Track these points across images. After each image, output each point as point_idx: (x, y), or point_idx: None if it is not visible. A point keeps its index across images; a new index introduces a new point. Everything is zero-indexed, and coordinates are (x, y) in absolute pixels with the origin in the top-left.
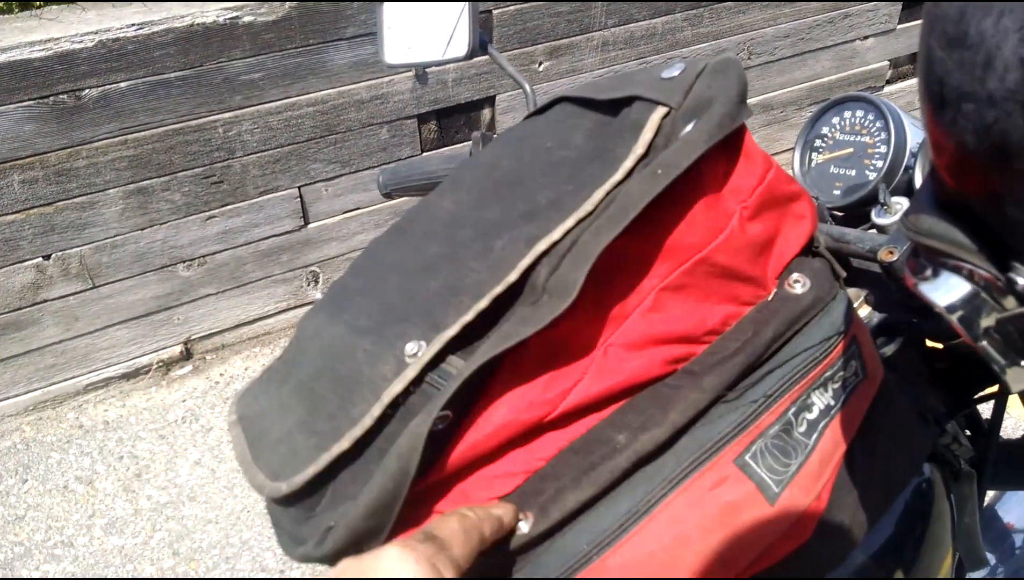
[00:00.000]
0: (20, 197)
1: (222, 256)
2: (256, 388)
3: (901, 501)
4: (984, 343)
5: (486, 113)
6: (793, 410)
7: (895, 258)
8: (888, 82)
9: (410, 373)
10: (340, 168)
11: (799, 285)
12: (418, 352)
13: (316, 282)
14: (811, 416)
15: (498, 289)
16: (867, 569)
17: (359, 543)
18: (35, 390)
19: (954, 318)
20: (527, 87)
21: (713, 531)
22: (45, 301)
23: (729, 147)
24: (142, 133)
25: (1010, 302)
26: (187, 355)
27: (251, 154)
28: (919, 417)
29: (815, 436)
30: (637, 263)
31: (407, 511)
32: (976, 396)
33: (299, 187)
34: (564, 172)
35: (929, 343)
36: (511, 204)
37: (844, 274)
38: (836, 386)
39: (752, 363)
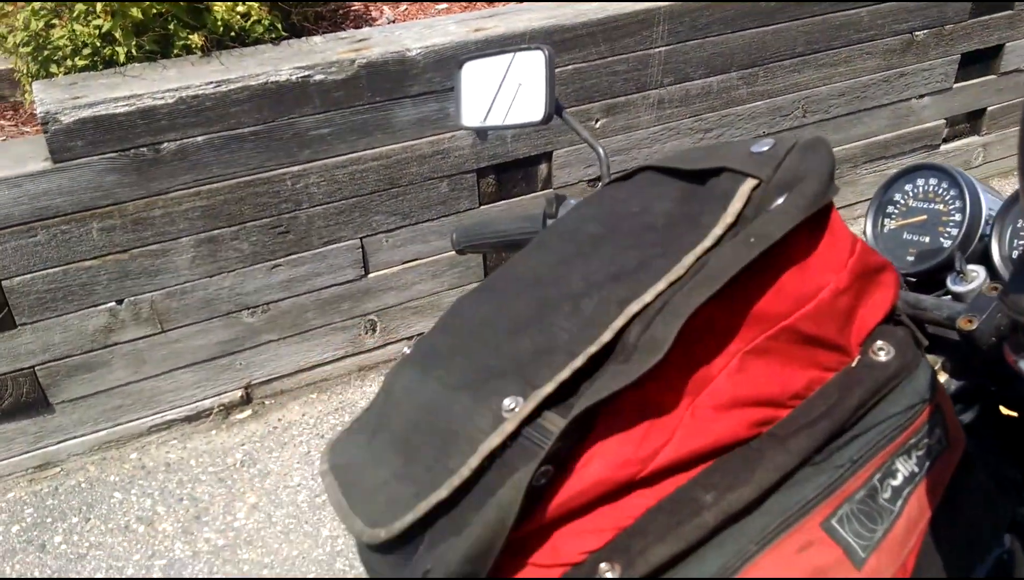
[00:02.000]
0: (98, 244)
1: (285, 304)
2: (346, 439)
3: (982, 571)
4: None
5: (543, 168)
6: (878, 476)
7: (974, 327)
8: (944, 141)
9: (508, 427)
10: (401, 220)
11: (883, 353)
12: (515, 407)
13: (374, 330)
14: (895, 483)
15: (592, 349)
16: None
17: None
18: (101, 430)
19: None
20: (601, 151)
21: None
22: (116, 344)
23: (818, 221)
24: (215, 185)
25: None
26: (247, 399)
27: (317, 206)
28: (999, 486)
29: (900, 503)
30: (725, 327)
31: (501, 559)
32: None
33: (361, 238)
34: (651, 237)
35: (1004, 411)
36: (599, 266)
37: (926, 343)
38: (920, 453)
39: (838, 428)
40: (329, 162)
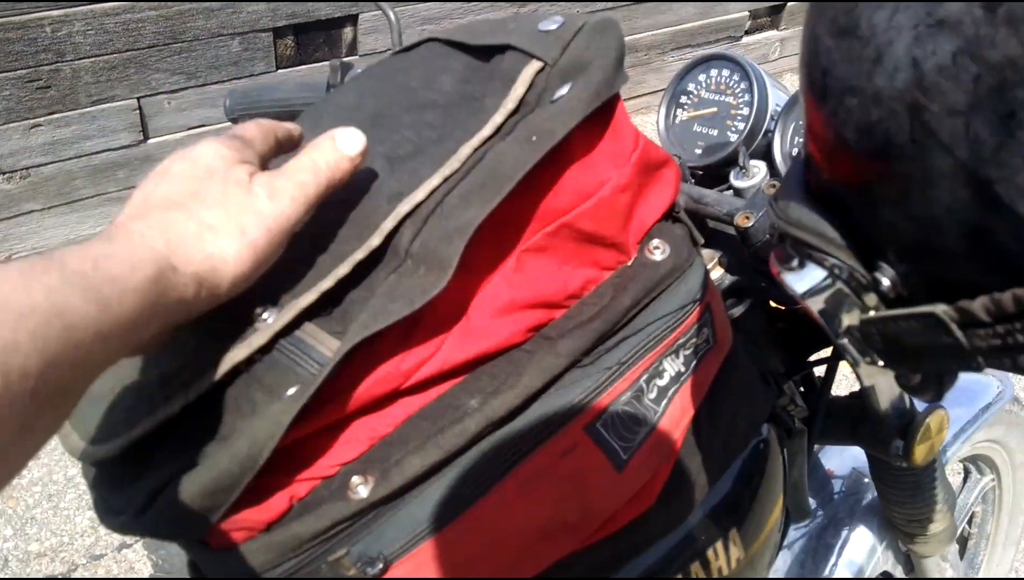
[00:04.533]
0: None
1: (48, 169)
2: None
3: (744, 471)
4: (845, 341)
5: (348, 32)
6: (645, 377)
7: (751, 224)
8: (746, 32)
9: (258, 340)
10: (185, 80)
11: (659, 252)
12: (269, 318)
13: None
14: (661, 383)
15: (360, 254)
16: (701, 526)
17: (188, 523)
18: None
19: (815, 311)
20: (392, 16)
21: (561, 499)
22: None
23: (602, 112)
24: None
25: (872, 299)
26: None
27: (84, 59)
28: (762, 379)
29: (664, 403)
30: (502, 226)
31: None
32: (811, 359)
33: (138, 98)
34: (429, 116)
35: (772, 304)
36: (371, 147)
37: (702, 241)
38: (687, 353)
39: (608, 330)
40: (97, 8)
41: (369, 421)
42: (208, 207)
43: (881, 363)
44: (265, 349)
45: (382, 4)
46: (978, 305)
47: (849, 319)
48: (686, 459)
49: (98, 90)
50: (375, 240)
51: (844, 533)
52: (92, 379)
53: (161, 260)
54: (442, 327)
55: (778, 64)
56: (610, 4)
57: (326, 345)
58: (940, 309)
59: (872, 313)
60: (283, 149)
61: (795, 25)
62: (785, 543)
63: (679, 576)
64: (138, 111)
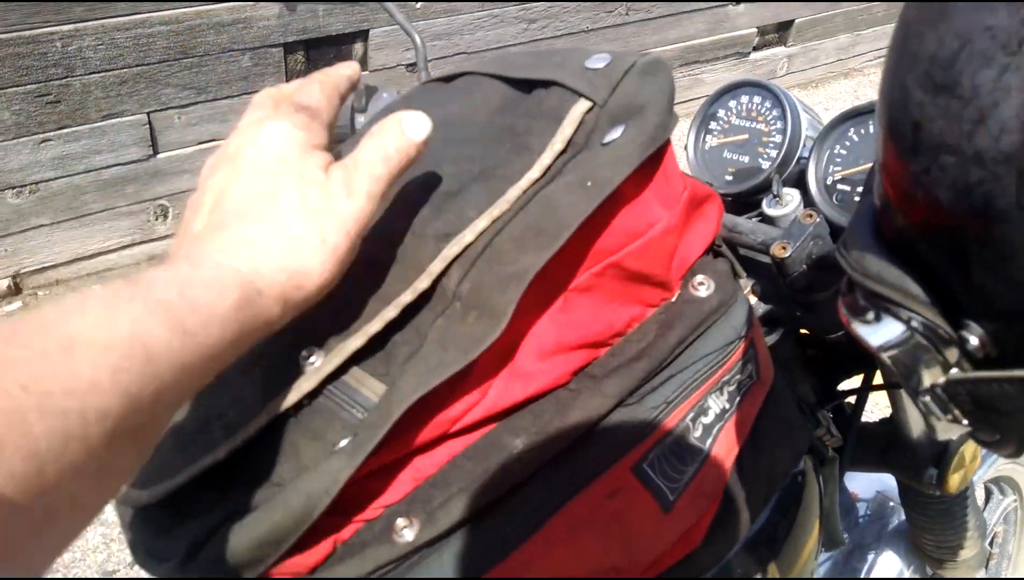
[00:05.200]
0: None
1: (57, 184)
2: None
3: (782, 502)
4: (926, 398)
5: (358, 48)
6: (691, 415)
7: (787, 254)
8: (754, 49)
9: (306, 385)
10: (195, 95)
11: (703, 288)
12: (316, 362)
13: (165, 217)
14: (707, 420)
15: (407, 297)
16: (739, 560)
17: (234, 574)
18: None
19: (893, 366)
20: (417, 39)
21: (608, 542)
22: None
23: (654, 154)
24: None
25: (953, 355)
26: (16, 290)
27: (93, 73)
28: (799, 411)
29: (710, 441)
30: (550, 267)
31: None
32: (843, 386)
33: (148, 113)
34: (470, 151)
35: (803, 330)
36: (411, 185)
37: (744, 275)
38: (732, 389)
39: (654, 368)
40: (108, 23)
41: (413, 463)
42: (287, 214)
43: (965, 422)
44: (313, 394)
45: (408, 28)
46: None
47: (930, 376)
48: (731, 496)
49: (108, 105)
50: (423, 283)
51: (871, 558)
52: (170, 416)
53: (246, 285)
54: (490, 372)
55: (785, 80)
56: (619, 4)
57: (372, 389)
58: None
59: (957, 371)
60: (344, 100)
61: (802, 42)
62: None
63: None
64: (148, 126)
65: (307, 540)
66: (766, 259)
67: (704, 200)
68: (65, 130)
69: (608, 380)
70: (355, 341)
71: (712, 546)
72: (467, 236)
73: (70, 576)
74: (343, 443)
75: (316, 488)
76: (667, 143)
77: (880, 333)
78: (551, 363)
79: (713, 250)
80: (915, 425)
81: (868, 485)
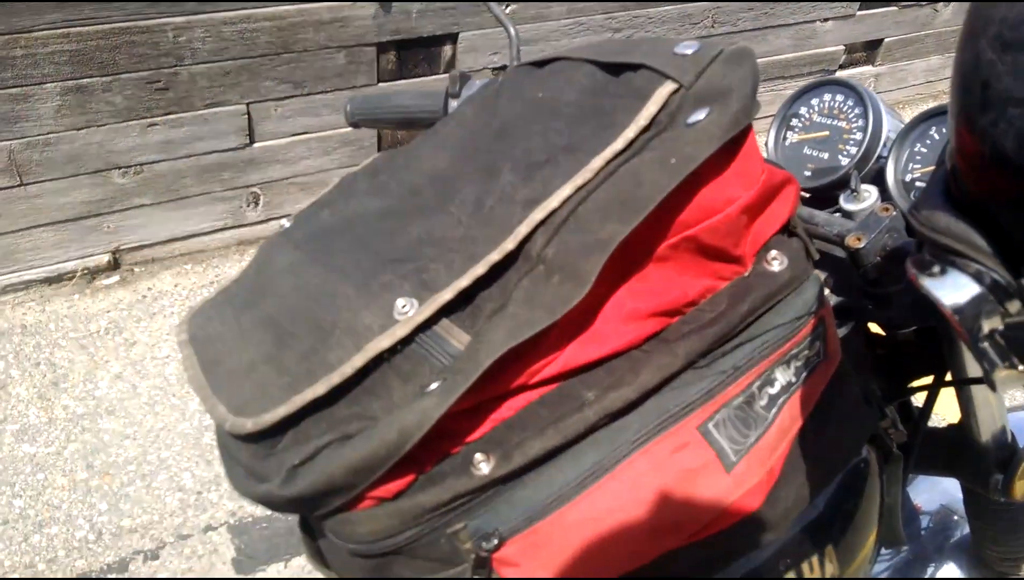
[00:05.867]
0: None
1: (160, 166)
2: (210, 310)
3: (843, 488)
4: (985, 345)
5: (447, 50)
6: (757, 384)
7: (862, 245)
8: (841, 67)
9: (400, 331)
10: (292, 89)
11: (777, 263)
12: (409, 310)
13: (256, 203)
14: (772, 391)
15: (495, 257)
16: (798, 538)
17: (330, 494)
18: None
19: (956, 317)
20: (512, 31)
21: (670, 494)
22: None
23: (736, 139)
24: (86, 28)
25: (1015, 306)
26: (115, 265)
27: (200, 64)
28: (865, 400)
29: (774, 411)
30: (631, 238)
31: None
32: (911, 385)
33: (247, 104)
34: (558, 125)
35: (874, 330)
36: (502, 157)
37: (817, 256)
38: (799, 364)
39: (725, 334)
40: (216, 16)
41: (492, 407)
42: None
43: (1022, 368)
44: (406, 340)
45: (504, 20)
46: None
47: (991, 324)
48: (791, 468)
49: (212, 94)
50: (509, 244)
51: (931, 570)
52: None
53: None
54: (569, 331)
55: None
56: (705, 16)
57: (458, 339)
58: None
59: (1016, 317)
60: None
61: (891, 61)
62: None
63: None
64: (247, 116)
65: (393, 469)
66: (840, 253)
67: (782, 184)
68: (171, 116)
69: (679, 342)
70: (446, 294)
71: (770, 514)
72: (552, 202)
73: (154, 548)
74: (433, 386)
75: (409, 423)
76: (749, 127)
77: (945, 285)
78: (627, 327)
79: (788, 231)
80: (983, 429)
81: (932, 498)
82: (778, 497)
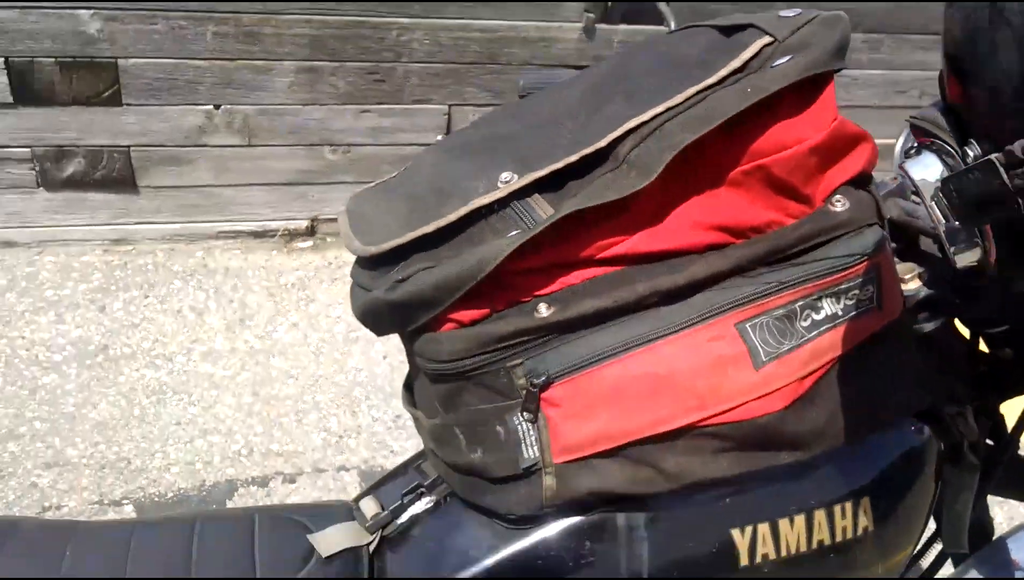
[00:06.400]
0: (210, 46)
1: (366, 150)
2: (366, 193)
3: (891, 451)
4: (932, 204)
5: None
6: (800, 304)
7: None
8: None
9: (498, 193)
10: (491, 97)
11: (840, 204)
12: (510, 180)
13: None
14: (817, 317)
15: (587, 150)
16: (832, 480)
17: (421, 306)
18: (175, 223)
19: (920, 183)
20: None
21: (699, 375)
22: (205, 145)
23: (815, 87)
24: (326, 17)
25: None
26: (311, 231)
27: (415, 63)
28: (931, 378)
29: (814, 333)
30: (710, 157)
31: None
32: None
33: (449, 105)
34: (669, 72)
35: (959, 325)
36: (616, 91)
37: (888, 216)
38: (849, 302)
39: (776, 249)
40: (437, 23)
41: (563, 271)
42: None
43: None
44: (502, 202)
45: (664, 11)
46: (1017, 145)
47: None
48: (822, 393)
49: (420, 92)
50: (601, 143)
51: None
52: None
53: None
54: (640, 221)
55: None
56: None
57: (543, 210)
58: (993, 156)
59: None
60: None
61: None
62: None
63: (801, 515)
64: (447, 116)
65: (472, 301)
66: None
67: (856, 138)
68: (382, 105)
69: (732, 249)
70: (540, 172)
71: (793, 425)
72: (644, 116)
73: (294, 473)
74: (512, 233)
75: (487, 255)
76: (829, 80)
77: (918, 163)
78: (692, 232)
79: (863, 187)
80: None
81: None
82: (805, 412)
